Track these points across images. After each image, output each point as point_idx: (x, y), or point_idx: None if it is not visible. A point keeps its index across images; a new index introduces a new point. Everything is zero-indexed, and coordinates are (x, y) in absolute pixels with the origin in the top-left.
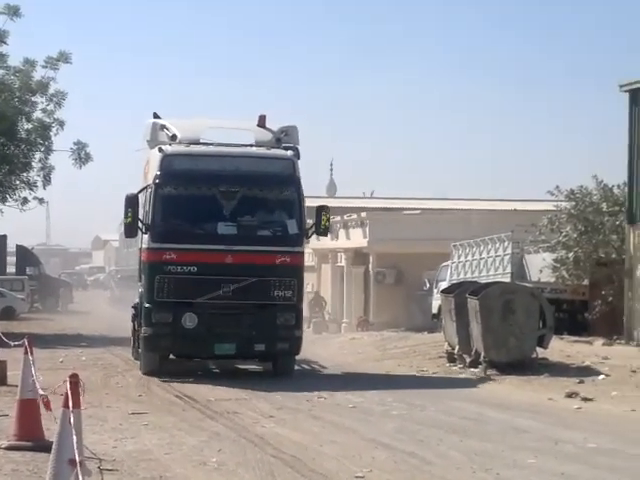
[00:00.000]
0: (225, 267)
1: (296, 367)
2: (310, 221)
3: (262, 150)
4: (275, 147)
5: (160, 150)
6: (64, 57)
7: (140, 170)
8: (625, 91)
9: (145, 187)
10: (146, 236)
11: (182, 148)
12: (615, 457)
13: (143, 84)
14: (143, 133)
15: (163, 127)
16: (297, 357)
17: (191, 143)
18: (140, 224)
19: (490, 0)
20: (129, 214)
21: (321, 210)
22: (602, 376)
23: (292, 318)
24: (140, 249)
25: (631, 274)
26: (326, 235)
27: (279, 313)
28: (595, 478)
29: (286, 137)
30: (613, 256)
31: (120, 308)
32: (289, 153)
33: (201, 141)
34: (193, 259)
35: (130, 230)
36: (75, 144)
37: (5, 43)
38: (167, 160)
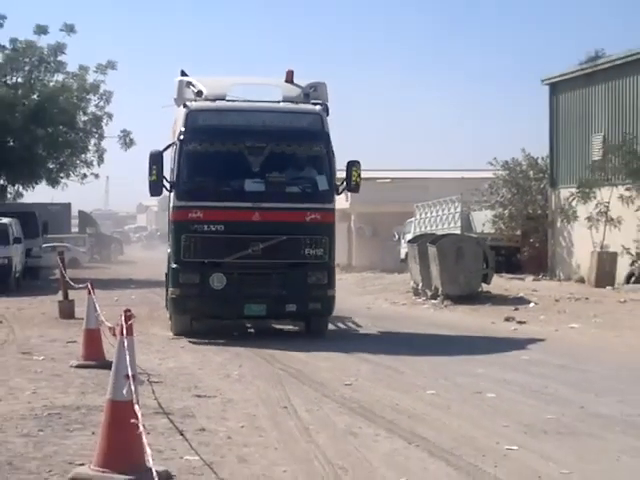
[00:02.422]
0: (253, 225)
1: (331, 326)
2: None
3: (289, 105)
4: (303, 103)
5: (185, 106)
6: (111, 64)
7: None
8: (546, 84)
9: (170, 144)
10: (172, 195)
11: (207, 103)
12: (544, 366)
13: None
14: (173, 92)
15: (189, 84)
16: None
17: (217, 99)
18: (166, 182)
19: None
20: (153, 171)
21: (352, 165)
22: (532, 304)
23: (324, 277)
24: (168, 210)
25: (553, 226)
26: (357, 191)
27: (310, 272)
28: (529, 382)
29: (315, 93)
30: (539, 212)
31: (150, 252)
32: (317, 108)
33: (227, 98)
34: (220, 217)
35: (155, 188)
36: (122, 132)
37: (64, 53)
38: (192, 116)
